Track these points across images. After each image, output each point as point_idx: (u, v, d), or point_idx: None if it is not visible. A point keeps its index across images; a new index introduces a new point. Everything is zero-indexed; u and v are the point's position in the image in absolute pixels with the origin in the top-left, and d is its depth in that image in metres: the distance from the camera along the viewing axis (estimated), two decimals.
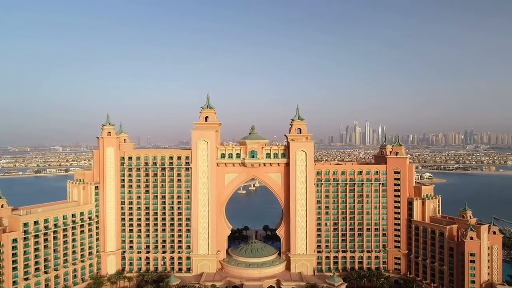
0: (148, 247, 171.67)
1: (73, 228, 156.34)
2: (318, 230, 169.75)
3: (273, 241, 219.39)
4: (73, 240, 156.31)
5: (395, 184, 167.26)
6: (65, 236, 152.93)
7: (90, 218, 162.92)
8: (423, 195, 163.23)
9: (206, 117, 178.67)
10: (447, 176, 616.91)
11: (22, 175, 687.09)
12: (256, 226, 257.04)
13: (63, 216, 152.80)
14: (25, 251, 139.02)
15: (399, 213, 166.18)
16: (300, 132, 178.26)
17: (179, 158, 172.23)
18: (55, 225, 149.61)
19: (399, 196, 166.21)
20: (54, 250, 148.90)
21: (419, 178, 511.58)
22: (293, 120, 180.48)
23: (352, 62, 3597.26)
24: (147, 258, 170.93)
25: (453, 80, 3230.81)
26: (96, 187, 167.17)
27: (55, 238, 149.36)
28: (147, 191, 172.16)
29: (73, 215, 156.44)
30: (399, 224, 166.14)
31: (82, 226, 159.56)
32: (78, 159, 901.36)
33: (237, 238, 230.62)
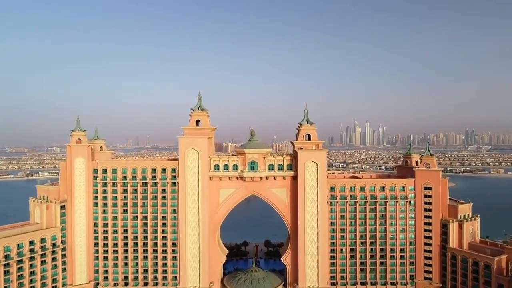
0: (126, 278, 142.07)
1: (32, 258, 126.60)
2: (332, 257, 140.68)
3: (275, 259, 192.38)
4: (32, 273, 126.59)
5: (425, 203, 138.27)
6: (20, 269, 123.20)
7: (54, 245, 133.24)
8: (460, 215, 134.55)
9: (198, 121, 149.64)
10: (455, 180, 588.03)
11: (13, 178, 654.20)
12: (256, 239, 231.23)
13: (18, 245, 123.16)
14: None
15: (430, 237, 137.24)
16: (310, 139, 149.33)
17: (163, 170, 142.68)
18: (7, 257, 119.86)
19: (430, 217, 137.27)
20: None
21: None
22: (300, 124, 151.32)
23: (352, 62, 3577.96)
24: None
25: (452, 80, 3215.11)
26: (63, 206, 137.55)
27: (6, 272, 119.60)
28: (126, 211, 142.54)
29: (31, 243, 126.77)
30: (430, 251, 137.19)
31: (44, 255, 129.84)
32: None
33: (235, 255, 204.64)
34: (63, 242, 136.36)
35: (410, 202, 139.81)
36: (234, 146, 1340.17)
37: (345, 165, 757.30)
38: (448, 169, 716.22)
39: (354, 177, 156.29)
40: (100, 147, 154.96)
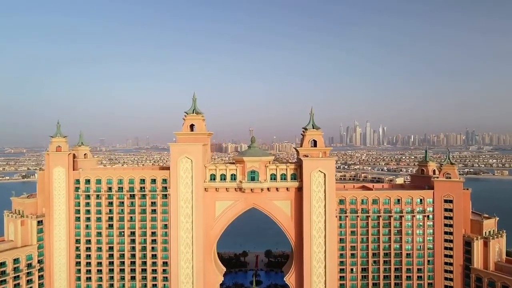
0: None
1: (3, 282, 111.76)
2: (342, 278, 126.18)
3: (277, 272, 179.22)
4: None
5: (445, 217, 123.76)
6: None
7: (29, 266, 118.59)
8: (485, 232, 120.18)
9: (192, 126, 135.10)
10: None
11: (8, 180, 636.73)
12: (257, 247, 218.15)
13: None
14: None
15: (451, 256, 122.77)
16: (315, 145, 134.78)
17: (153, 181, 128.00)
18: None
19: (451, 233, 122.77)
20: None
21: None
22: (305, 129, 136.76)
23: (353, 62, 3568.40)
24: None
25: (453, 80, 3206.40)
26: (40, 222, 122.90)
27: None
28: (111, 226, 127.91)
29: (2, 264, 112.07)
30: (451, 271, 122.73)
31: (17, 277, 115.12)
32: None
33: (234, 266, 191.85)
34: (40, 262, 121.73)
35: (428, 216, 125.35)
36: (234, 147, 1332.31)
37: (346, 166, 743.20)
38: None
39: (364, 187, 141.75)
40: (85, 154, 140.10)
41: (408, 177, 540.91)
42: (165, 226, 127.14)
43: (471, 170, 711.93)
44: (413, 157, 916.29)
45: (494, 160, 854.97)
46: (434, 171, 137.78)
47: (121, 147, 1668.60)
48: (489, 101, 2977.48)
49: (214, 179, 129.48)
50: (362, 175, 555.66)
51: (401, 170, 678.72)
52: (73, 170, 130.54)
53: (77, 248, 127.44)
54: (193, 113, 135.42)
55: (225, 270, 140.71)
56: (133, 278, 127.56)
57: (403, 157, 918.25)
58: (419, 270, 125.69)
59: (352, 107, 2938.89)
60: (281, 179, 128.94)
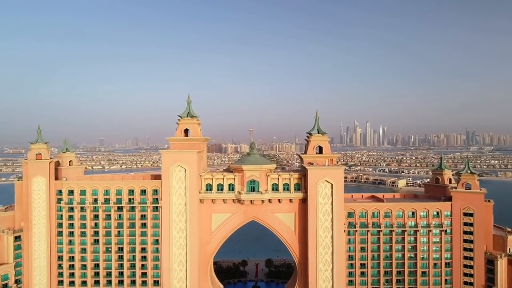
0: None
1: None
2: None
3: (278, 283, 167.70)
4: None
5: (465, 232, 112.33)
6: None
7: (5, 286, 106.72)
8: (509, 248, 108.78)
9: (186, 130, 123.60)
10: None
11: (4, 182, 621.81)
12: (256, 255, 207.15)
13: None
14: None
15: (471, 275, 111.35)
16: (321, 152, 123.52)
17: (143, 192, 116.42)
18: None
19: (471, 250, 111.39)
20: None
21: None
22: (310, 134, 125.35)
23: (353, 62, 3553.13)
24: None
25: (453, 80, 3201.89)
26: (18, 237, 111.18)
27: None
28: (97, 241, 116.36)
29: None
30: None
31: None
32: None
33: (233, 276, 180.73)
34: (17, 282, 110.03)
35: (446, 231, 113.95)
36: (233, 147, 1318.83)
37: (347, 168, 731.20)
38: (454, 172, 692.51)
39: (373, 197, 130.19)
40: (70, 161, 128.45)
41: (410, 178, 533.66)
42: (156, 242, 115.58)
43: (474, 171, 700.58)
44: (414, 158, 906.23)
45: (496, 161, 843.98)
46: (450, 179, 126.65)
47: (120, 147, 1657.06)
48: (490, 101, 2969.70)
49: (210, 190, 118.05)
50: (364, 176, 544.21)
51: (402, 172, 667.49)
52: (56, 179, 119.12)
53: (60, 266, 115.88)
54: (187, 116, 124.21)
55: (222, 287, 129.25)
56: None
57: (404, 158, 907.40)
58: None
59: (352, 107, 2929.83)
60: (284, 189, 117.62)
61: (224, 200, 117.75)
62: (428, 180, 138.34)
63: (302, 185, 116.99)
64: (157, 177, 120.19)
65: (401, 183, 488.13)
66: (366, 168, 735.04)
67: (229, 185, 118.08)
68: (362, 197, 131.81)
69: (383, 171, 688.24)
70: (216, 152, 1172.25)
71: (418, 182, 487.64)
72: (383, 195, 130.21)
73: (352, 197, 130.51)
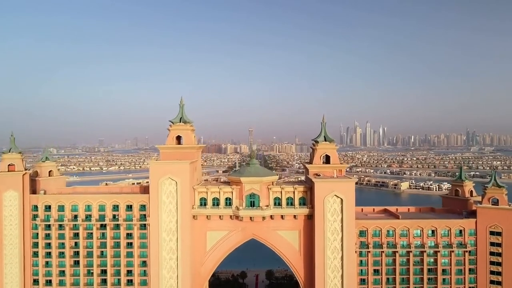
0: None
1: None
2: None
3: None
4: None
5: (492, 253, 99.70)
6: None
7: None
8: None
9: (179, 137, 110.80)
10: None
11: None
12: (256, 265, 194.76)
13: None
14: None
15: None
16: (328, 162, 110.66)
17: (129, 207, 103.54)
18: None
19: (499, 273, 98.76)
20: None
21: (436, 189, 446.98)
22: (316, 141, 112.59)
23: (352, 62, 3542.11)
24: None
25: (453, 80, 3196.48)
26: None
27: None
28: (77, 263, 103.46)
29: None
30: None
31: None
32: (68, 163, 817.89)
33: None
34: None
35: (470, 252, 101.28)
36: (233, 148, 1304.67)
37: (348, 169, 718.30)
38: (457, 174, 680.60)
39: (386, 210, 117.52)
40: (50, 171, 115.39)
41: (413, 181, 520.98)
42: (144, 264, 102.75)
43: (477, 173, 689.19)
44: (415, 159, 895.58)
45: (498, 162, 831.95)
46: (471, 192, 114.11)
47: (120, 148, 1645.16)
48: (490, 101, 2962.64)
49: (204, 205, 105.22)
50: (366, 179, 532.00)
51: (404, 173, 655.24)
52: (34, 192, 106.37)
53: None
54: (180, 122, 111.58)
55: None
56: None
57: (405, 159, 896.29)
58: None
59: (352, 107, 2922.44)
60: (287, 204, 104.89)
61: (220, 216, 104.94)
62: (447, 191, 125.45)
63: (307, 200, 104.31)
64: (147, 189, 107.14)
65: (404, 185, 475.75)
66: (367, 170, 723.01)
67: (226, 199, 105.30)
68: (374, 211, 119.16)
69: (385, 173, 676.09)
70: (216, 153, 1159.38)
71: (421, 184, 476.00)
72: (397, 209, 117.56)
73: (362, 211, 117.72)
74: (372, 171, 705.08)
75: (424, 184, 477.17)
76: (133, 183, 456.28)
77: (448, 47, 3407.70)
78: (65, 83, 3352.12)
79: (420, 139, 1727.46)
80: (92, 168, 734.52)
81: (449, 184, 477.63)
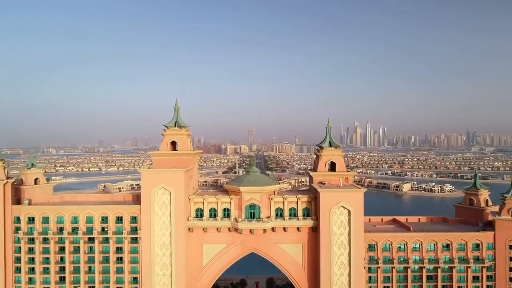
0: None
1: None
2: None
3: None
4: None
5: (511, 269, 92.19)
6: None
7: None
8: None
9: (174, 143, 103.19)
10: None
11: None
12: (257, 271, 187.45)
13: None
14: None
15: None
16: (334, 169, 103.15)
17: (119, 219, 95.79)
18: None
19: None
20: None
21: (439, 191, 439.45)
22: (321, 147, 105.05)
23: (352, 62, 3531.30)
24: None
25: (453, 80, 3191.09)
26: None
27: None
28: (62, 279, 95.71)
29: None
30: None
31: None
32: (67, 163, 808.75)
33: None
34: None
35: (488, 267, 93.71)
36: (233, 148, 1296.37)
37: (348, 170, 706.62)
38: (459, 175, 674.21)
39: (395, 220, 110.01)
40: (36, 179, 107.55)
41: (414, 182, 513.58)
42: (135, 280, 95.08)
43: (479, 174, 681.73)
44: (415, 159, 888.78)
45: (499, 163, 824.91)
46: (486, 201, 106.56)
47: (119, 148, 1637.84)
48: (490, 101, 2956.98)
49: (201, 216, 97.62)
50: (367, 180, 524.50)
51: (405, 174, 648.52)
52: (18, 202, 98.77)
53: None
54: (175, 126, 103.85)
55: None
56: None
57: (406, 159, 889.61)
58: None
59: (352, 107, 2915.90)
60: (290, 215, 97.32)
61: (217, 228, 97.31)
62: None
63: (312, 211, 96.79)
64: (139, 198, 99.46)
65: (406, 187, 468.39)
66: (368, 171, 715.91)
67: (224, 210, 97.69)
68: (382, 221, 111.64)
69: (386, 174, 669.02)
70: (216, 153, 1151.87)
71: (423, 186, 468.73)
72: (407, 219, 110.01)
73: (370, 221, 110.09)
74: (373, 172, 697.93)
75: (426, 185, 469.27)
76: (132, 185, 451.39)
77: (448, 47, 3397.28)
78: (65, 83, 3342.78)
79: (420, 139, 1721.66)
80: (91, 169, 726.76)
81: (451, 186, 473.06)
